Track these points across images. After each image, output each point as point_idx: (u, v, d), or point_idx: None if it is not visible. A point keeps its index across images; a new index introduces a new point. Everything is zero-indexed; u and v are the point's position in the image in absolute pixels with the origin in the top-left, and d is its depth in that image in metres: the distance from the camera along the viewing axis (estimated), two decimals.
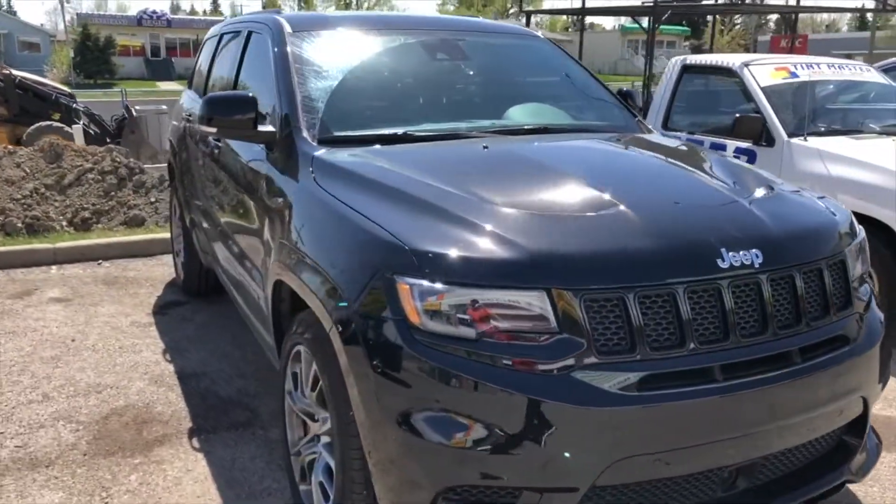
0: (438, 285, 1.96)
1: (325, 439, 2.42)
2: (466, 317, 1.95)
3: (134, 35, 47.92)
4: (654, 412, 1.93)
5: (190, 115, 4.64)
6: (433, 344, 1.95)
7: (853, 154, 4.52)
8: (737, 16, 29.37)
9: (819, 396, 2.18)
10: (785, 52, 23.17)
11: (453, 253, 2.01)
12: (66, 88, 13.38)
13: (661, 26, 23.81)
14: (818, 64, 5.52)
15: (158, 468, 3.04)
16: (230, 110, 3.01)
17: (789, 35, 25.61)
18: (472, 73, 3.64)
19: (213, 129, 3.06)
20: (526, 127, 3.24)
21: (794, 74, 5.30)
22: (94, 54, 41.14)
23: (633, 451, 1.94)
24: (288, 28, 3.44)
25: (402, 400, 1.99)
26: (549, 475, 1.93)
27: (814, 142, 4.73)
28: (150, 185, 8.01)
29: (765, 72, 5.25)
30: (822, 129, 4.97)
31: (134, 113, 11.79)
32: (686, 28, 51.66)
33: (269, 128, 3.05)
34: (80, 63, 40.66)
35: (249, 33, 3.92)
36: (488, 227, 2.11)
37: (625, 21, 45.47)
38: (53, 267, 5.87)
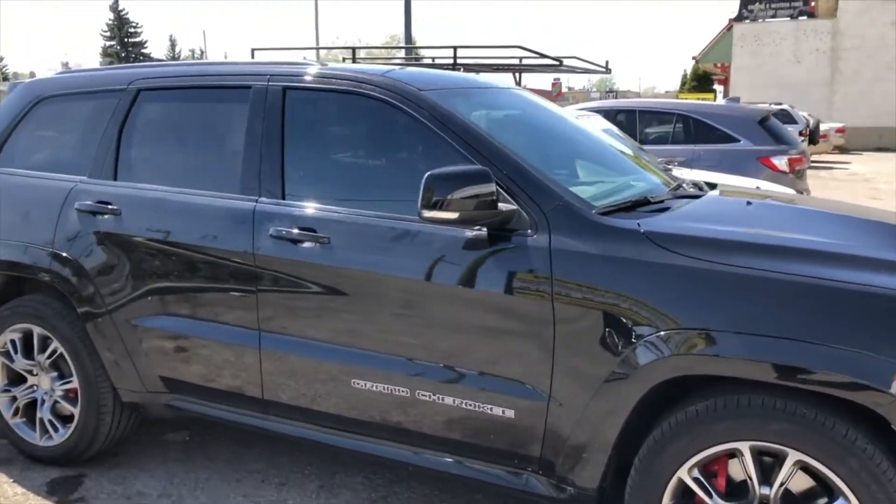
0: None
1: None
2: None
3: None
4: None
5: (107, 205, 3.24)
6: None
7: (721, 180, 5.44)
8: None
9: None
10: None
11: None
12: None
13: None
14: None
15: None
16: (466, 186, 2.44)
17: None
18: (571, 129, 3.48)
19: (453, 215, 2.43)
20: (685, 185, 3.29)
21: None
22: None
23: None
24: (412, 87, 2.86)
25: None
26: None
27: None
28: None
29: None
30: None
31: None
32: None
33: (509, 206, 2.54)
34: None
35: (284, 90, 3.02)
36: None
37: None
38: None
